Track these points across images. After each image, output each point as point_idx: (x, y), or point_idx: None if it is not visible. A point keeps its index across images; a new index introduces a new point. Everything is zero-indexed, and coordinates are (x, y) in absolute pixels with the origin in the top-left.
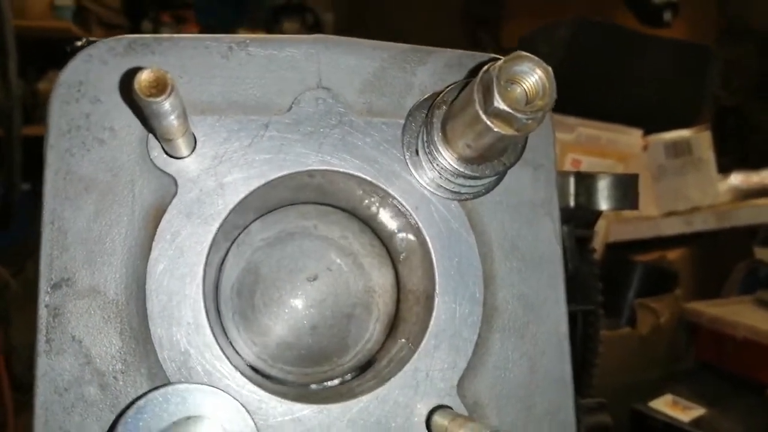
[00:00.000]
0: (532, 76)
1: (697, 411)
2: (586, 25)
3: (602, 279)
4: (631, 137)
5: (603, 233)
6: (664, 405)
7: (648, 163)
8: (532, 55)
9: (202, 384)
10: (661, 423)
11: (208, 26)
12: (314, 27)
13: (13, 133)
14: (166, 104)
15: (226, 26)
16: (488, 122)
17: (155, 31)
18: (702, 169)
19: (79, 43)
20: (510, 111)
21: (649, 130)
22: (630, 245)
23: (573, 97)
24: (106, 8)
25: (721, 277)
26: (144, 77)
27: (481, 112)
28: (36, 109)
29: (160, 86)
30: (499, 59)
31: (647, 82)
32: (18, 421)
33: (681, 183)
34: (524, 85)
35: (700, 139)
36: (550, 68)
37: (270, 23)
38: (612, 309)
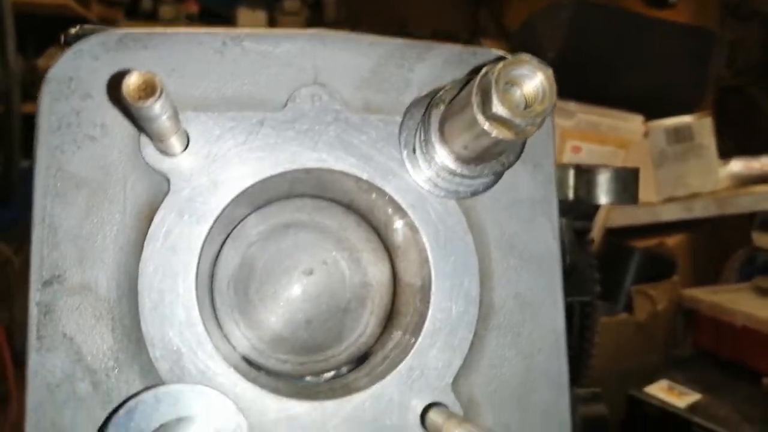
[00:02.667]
0: (533, 81)
1: (693, 397)
2: (588, 7)
3: (600, 266)
4: (632, 123)
5: (602, 219)
6: (660, 390)
7: (649, 148)
8: (532, 58)
9: (194, 384)
10: (657, 408)
11: (208, 4)
12: (315, 6)
13: (12, 110)
14: (156, 107)
15: (226, 4)
16: (486, 127)
17: (155, 9)
18: (703, 155)
19: (73, 31)
20: (509, 117)
21: (650, 116)
22: (629, 231)
23: (574, 82)
24: None
25: (719, 264)
26: (132, 81)
27: (479, 116)
28: (35, 86)
29: (149, 89)
30: (501, 58)
31: (650, 66)
32: (21, 396)
33: (681, 169)
34: (524, 89)
35: (701, 125)
36: (550, 71)
37: (270, 2)
38: (609, 295)
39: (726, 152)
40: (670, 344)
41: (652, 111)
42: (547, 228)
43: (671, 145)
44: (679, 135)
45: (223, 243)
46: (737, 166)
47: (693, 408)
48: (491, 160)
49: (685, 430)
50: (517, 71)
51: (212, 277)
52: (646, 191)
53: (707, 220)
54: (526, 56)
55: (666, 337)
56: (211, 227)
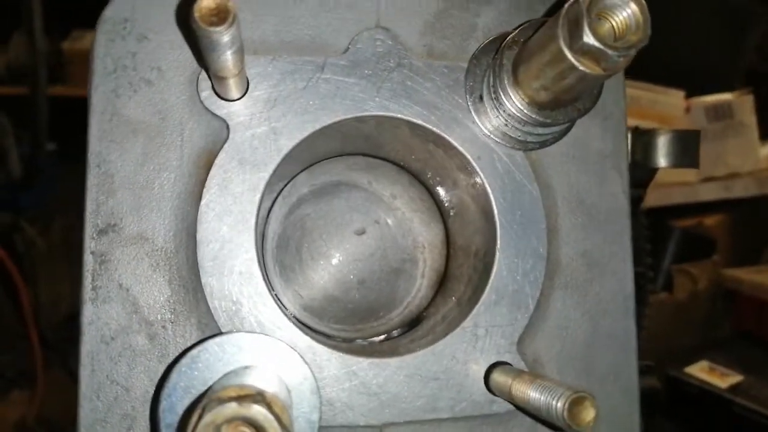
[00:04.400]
0: (625, 11)
1: (735, 378)
2: None
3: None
4: (673, 98)
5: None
6: (700, 371)
7: (689, 126)
8: None
9: (258, 333)
10: (697, 389)
11: None
12: None
13: (39, 92)
14: (226, 36)
15: None
16: (574, 60)
17: None
18: (743, 133)
19: None
20: (601, 47)
21: (688, 93)
22: (667, 211)
23: None
24: None
25: (759, 244)
26: (205, 4)
27: (565, 49)
28: (61, 68)
29: (222, 14)
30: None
31: (688, 42)
32: (46, 376)
33: (721, 148)
34: (613, 21)
35: (742, 102)
36: (644, 1)
37: None
38: (652, 277)
39: (766, 135)
40: (709, 325)
41: (690, 88)
42: (617, 183)
43: (711, 122)
44: (719, 112)
45: (274, 201)
46: None
47: (735, 389)
48: (567, 105)
49: (726, 410)
50: (608, 0)
51: (263, 235)
52: (685, 170)
53: (746, 200)
54: None
55: (706, 317)
56: (271, 176)
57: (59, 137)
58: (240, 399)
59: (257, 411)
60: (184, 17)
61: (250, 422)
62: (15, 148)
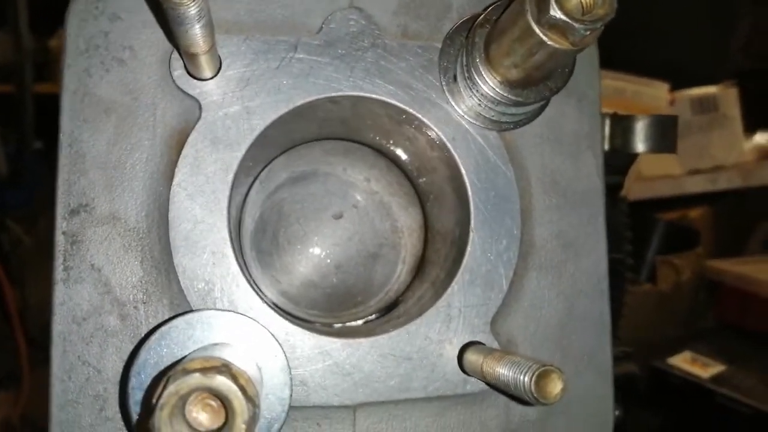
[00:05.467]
0: None
1: (717, 368)
2: None
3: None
4: (657, 90)
5: (624, 191)
6: (683, 362)
7: None
8: None
9: (227, 310)
10: (680, 379)
11: None
12: None
13: (25, 90)
14: (193, 8)
15: None
16: (541, 34)
17: None
18: (728, 126)
19: None
20: (567, 20)
21: (674, 86)
22: (651, 204)
23: (598, 47)
24: None
25: (742, 236)
26: None
27: (533, 24)
28: (47, 67)
29: None
30: None
31: (674, 34)
32: (33, 376)
33: (706, 140)
34: None
35: (726, 95)
36: None
37: None
38: (632, 265)
39: (750, 128)
40: (693, 316)
41: (675, 81)
42: (592, 164)
43: (696, 115)
44: (704, 105)
45: (250, 187)
46: (763, 138)
47: (717, 379)
48: (539, 84)
49: (709, 400)
50: None
51: (239, 221)
52: (670, 163)
53: (731, 192)
54: None
55: (689, 309)
56: (244, 156)
57: (45, 135)
58: (205, 370)
59: (221, 381)
60: None
61: (214, 393)
62: (1, 146)
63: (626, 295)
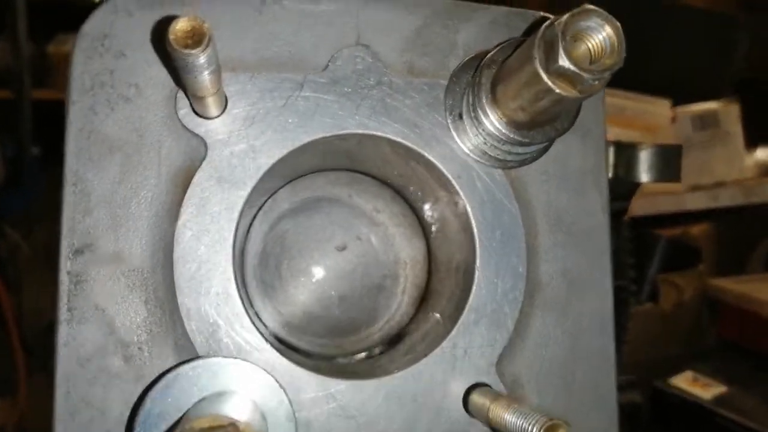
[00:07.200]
0: (600, 33)
1: (718, 389)
2: None
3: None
4: (659, 108)
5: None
6: (684, 382)
7: (675, 135)
8: (600, 10)
9: (233, 358)
10: (680, 400)
11: None
12: None
13: (23, 96)
14: (202, 57)
15: None
16: (549, 82)
17: None
18: (729, 142)
19: None
20: (576, 70)
21: (674, 102)
22: (652, 220)
23: None
24: None
25: (745, 254)
26: (180, 26)
27: (541, 71)
28: (46, 73)
29: (197, 37)
30: (551, 18)
31: (673, 52)
32: (29, 384)
33: (707, 157)
34: (589, 43)
35: (728, 111)
36: (619, 24)
37: None
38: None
39: (753, 141)
40: (695, 335)
41: (676, 97)
42: (597, 201)
43: (696, 131)
44: (705, 122)
45: (254, 217)
46: (764, 154)
47: (718, 400)
48: (545, 125)
49: (709, 422)
50: (584, 22)
51: (242, 251)
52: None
53: (732, 209)
54: (592, 7)
55: (690, 328)
56: (249, 194)
57: (44, 141)
58: (211, 430)
59: None
60: (160, 37)
61: None
62: None
63: (630, 321)
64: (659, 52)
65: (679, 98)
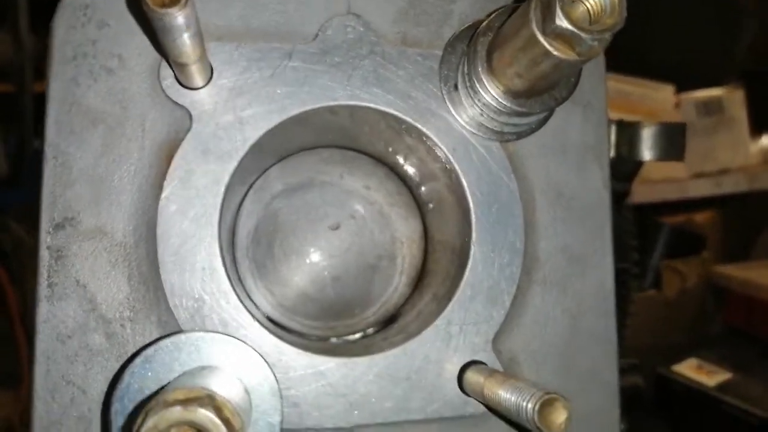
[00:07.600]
0: None
1: (723, 375)
2: None
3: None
4: (663, 93)
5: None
6: (688, 369)
7: (679, 120)
8: None
9: (216, 332)
10: (685, 387)
11: None
12: None
13: (25, 89)
14: (180, 17)
15: None
16: (547, 45)
17: None
18: (733, 129)
19: None
20: (574, 30)
21: (679, 88)
22: (655, 207)
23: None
24: None
25: (749, 240)
26: None
27: (538, 33)
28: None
29: None
30: None
31: (679, 36)
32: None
33: (711, 143)
34: (588, 4)
35: (732, 98)
36: None
37: None
38: (637, 273)
39: (757, 127)
40: (699, 322)
41: (681, 83)
42: (598, 176)
43: (701, 118)
44: (709, 108)
45: (245, 195)
46: None
47: (723, 387)
48: (543, 94)
49: (714, 409)
50: None
51: (233, 230)
52: (675, 166)
53: (737, 196)
54: None
55: (695, 315)
56: (236, 168)
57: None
58: (186, 402)
59: (203, 415)
60: (137, 3)
61: (195, 426)
62: (1, 146)
63: (632, 305)
64: (664, 36)
65: (684, 84)
